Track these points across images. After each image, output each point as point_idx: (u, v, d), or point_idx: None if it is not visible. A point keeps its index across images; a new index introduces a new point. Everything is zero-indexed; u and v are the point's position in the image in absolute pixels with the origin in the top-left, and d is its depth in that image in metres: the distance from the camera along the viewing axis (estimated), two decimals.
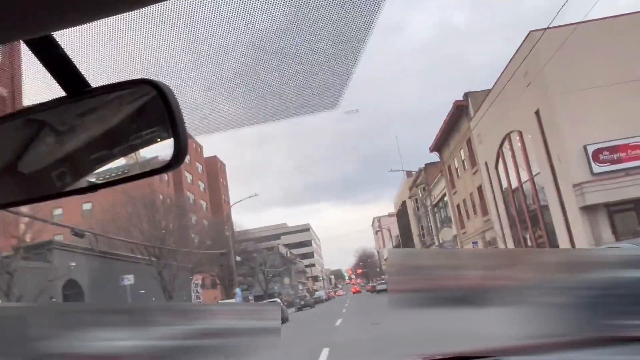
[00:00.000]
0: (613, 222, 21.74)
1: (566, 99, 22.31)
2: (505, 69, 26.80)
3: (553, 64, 22.93)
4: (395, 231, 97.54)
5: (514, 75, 25.65)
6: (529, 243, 28.15)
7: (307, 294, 69.16)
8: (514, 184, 29.09)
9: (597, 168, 21.80)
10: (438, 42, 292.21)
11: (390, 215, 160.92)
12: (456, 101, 35.68)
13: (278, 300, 34.42)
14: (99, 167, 1.16)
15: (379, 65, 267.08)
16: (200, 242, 54.65)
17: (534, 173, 26.32)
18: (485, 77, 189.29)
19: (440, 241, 34.78)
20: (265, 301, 38.15)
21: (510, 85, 26.41)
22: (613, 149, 21.86)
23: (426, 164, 57.87)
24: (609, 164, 21.79)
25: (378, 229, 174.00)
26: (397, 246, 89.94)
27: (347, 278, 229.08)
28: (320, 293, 79.46)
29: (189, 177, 68.08)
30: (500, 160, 30.52)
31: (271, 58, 1.65)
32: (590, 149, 21.94)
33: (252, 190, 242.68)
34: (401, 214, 79.76)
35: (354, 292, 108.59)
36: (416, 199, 63.97)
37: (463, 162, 39.62)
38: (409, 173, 68.44)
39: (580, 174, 21.91)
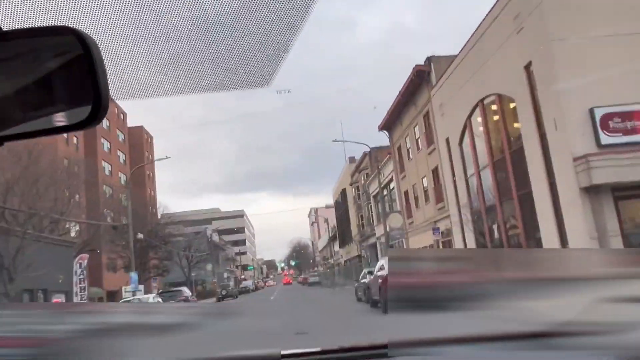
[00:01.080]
0: (618, 210, 16.45)
1: (569, 48, 16.81)
2: (487, 14, 21.17)
3: (554, 2, 17.43)
4: (333, 222, 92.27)
5: (497, 19, 20.04)
6: (497, 235, 22.75)
7: (230, 283, 62.34)
8: (484, 161, 23.63)
9: (605, 138, 16.44)
10: (390, 40, 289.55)
11: (328, 207, 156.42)
12: (416, 66, 29.97)
13: (185, 289, 27.69)
14: (6, 118, 1.06)
15: (331, 59, 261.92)
16: (116, 220, 47.04)
17: (513, 147, 20.85)
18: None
19: (388, 229, 29.06)
20: (174, 289, 31.28)
21: (492, 35, 20.79)
22: (627, 116, 16.56)
23: (372, 148, 52.38)
24: (620, 134, 16.47)
25: (314, 220, 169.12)
26: (333, 238, 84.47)
27: (280, 269, 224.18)
28: (248, 283, 73.02)
29: (105, 144, 59.69)
30: (467, 134, 25.01)
31: (206, 28, 1.68)
32: (598, 114, 16.55)
33: (191, 173, 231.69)
34: (340, 203, 74.23)
35: (284, 283, 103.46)
36: (357, 187, 58.45)
37: (417, 140, 34.10)
38: (352, 159, 62.77)
39: (582, 145, 16.49)
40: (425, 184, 33.36)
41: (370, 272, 22.35)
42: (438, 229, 26.10)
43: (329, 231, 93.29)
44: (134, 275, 29.56)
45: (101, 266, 51.03)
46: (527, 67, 18.73)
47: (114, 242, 39.02)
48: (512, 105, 20.51)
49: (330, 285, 56.90)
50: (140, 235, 31.55)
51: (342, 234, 74.80)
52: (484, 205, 23.70)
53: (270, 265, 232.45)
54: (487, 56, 21.35)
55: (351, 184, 60.42)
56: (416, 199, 35.52)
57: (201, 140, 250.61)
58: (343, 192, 68.72)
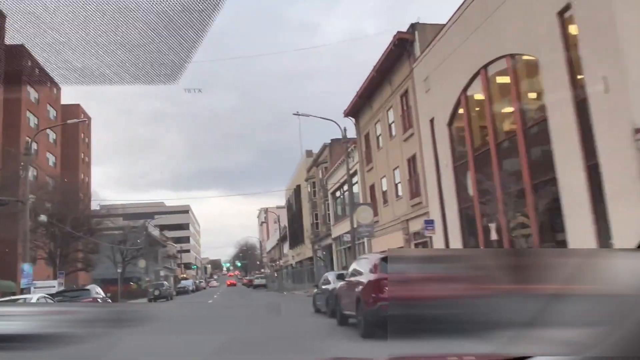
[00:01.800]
0: None
1: None
2: None
3: None
4: (285, 222, 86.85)
5: None
6: (495, 237, 17.97)
7: (165, 282, 55.90)
8: (482, 144, 18.87)
9: None
10: (348, 46, 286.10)
11: (279, 207, 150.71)
12: (398, 33, 25.04)
13: (94, 288, 21.63)
14: None
15: (291, 60, 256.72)
16: (39, 208, 39.83)
17: (529, 122, 16.11)
18: None
19: (355, 224, 23.87)
20: (79, 288, 25.03)
21: None
22: None
23: (333, 140, 47.34)
24: None
25: (264, 220, 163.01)
26: (283, 238, 78.91)
27: (225, 269, 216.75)
28: (188, 282, 66.62)
29: (32, 119, 52.22)
30: (462, 110, 20.23)
31: (120, 19, 1.81)
32: None
33: (140, 168, 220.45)
34: (292, 202, 68.84)
35: (228, 285, 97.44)
36: (314, 182, 53.25)
37: (390, 125, 29.22)
38: (309, 153, 57.56)
39: None
40: (397, 177, 28.51)
41: (341, 277, 17.21)
42: (432, 222, 21.07)
43: (279, 230, 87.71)
44: (26, 267, 23.24)
45: (16, 256, 43.79)
46: (563, 13, 14.00)
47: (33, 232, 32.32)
48: (530, 67, 15.78)
49: (278, 289, 51.51)
50: (42, 218, 25.26)
51: (293, 235, 69.39)
52: (477, 199, 18.90)
53: (215, 265, 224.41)
54: (496, 5, 16.60)
55: (307, 180, 55.17)
56: (384, 194, 30.66)
57: (152, 134, 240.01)
58: (297, 190, 63.40)
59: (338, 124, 32.04)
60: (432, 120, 22.67)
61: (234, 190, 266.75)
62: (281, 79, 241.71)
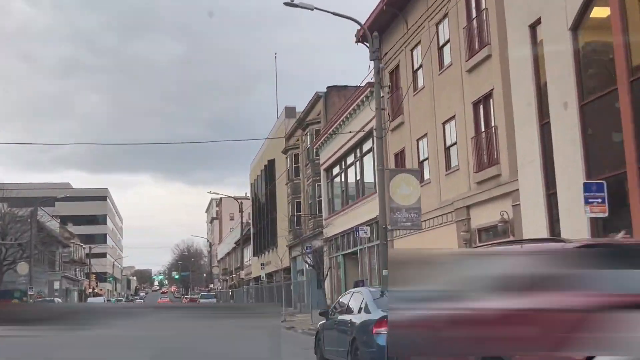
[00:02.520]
0: None
1: None
2: None
3: None
4: (247, 218, 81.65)
5: None
6: None
7: (58, 298, 50.12)
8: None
9: None
10: None
11: (238, 198, 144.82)
12: None
13: None
14: None
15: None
16: None
17: None
18: None
19: (393, 205, 18.23)
20: None
21: None
22: None
23: (330, 88, 42.18)
24: None
25: (215, 216, 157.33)
26: (246, 239, 73.52)
27: (157, 283, 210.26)
28: (98, 300, 61.10)
29: None
30: (602, 4, 14.92)
31: None
32: None
33: (40, 136, 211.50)
34: (260, 186, 63.42)
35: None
36: (295, 155, 47.98)
37: (441, 49, 23.93)
38: (290, 111, 52.30)
39: None
40: (450, 135, 23.25)
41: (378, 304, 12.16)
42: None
43: (241, 229, 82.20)
44: None
45: None
46: None
47: None
48: None
49: None
50: None
51: (259, 235, 64.06)
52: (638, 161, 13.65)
53: (143, 277, 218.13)
54: None
55: (286, 151, 49.73)
56: (422, 164, 25.45)
57: (61, 91, 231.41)
58: (268, 168, 57.98)
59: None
60: (534, 26, 17.35)
61: (175, 174, 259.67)
62: (249, 21, 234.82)
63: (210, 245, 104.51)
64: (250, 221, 70.21)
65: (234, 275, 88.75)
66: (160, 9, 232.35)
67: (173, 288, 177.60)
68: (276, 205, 55.53)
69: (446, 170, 23.60)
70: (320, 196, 41.73)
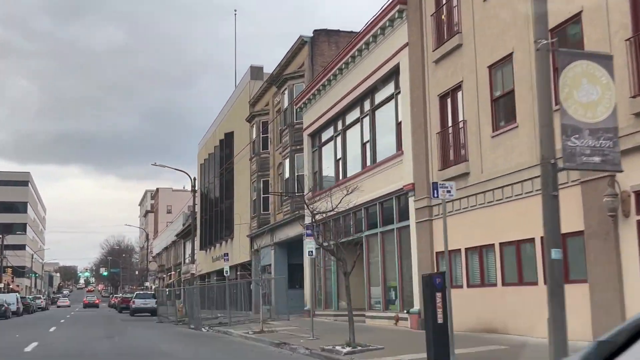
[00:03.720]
0: None
1: None
2: None
3: None
4: (189, 210, 71.87)
5: None
6: None
7: None
8: None
9: None
10: None
11: (176, 190, 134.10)
12: None
13: None
14: None
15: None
16: None
17: None
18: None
19: (569, 121, 9.46)
20: None
21: None
22: None
23: (318, 32, 33.35)
24: None
25: (150, 209, 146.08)
26: (186, 234, 63.73)
27: (82, 281, 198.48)
28: (8, 298, 50.55)
29: None
30: None
31: None
32: None
33: None
34: (212, 167, 53.90)
35: (85, 305, 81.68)
36: (263, 123, 38.99)
37: None
38: (256, 71, 43.24)
39: None
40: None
41: None
42: None
43: (183, 220, 72.49)
44: None
45: None
46: None
47: None
48: None
49: (186, 321, 36.74)
50: None
51: (208, 225, 54.48)
52: None
53: (69, 274, 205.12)
54: None
55: (251, 118, 40.47)
56: (496, 103, 16.83)
57: None
58: (225, 143, 48.52)
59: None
60: None
61: (107, 167, 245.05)
62: (191, 10, 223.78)
63: (147, 237, 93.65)
64: (198, 209, 60.49)
65: (172, 272, 78.62)
66: None
67: (100, 286, 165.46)
68: (233, 188, 46.20)
69: (555, 104, 15.03)
70: (301, 171, 32.73)
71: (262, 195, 38.87)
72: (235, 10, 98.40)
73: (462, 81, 18.33)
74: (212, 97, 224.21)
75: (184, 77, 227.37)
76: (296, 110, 32.95)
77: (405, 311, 20.74)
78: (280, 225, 34.90)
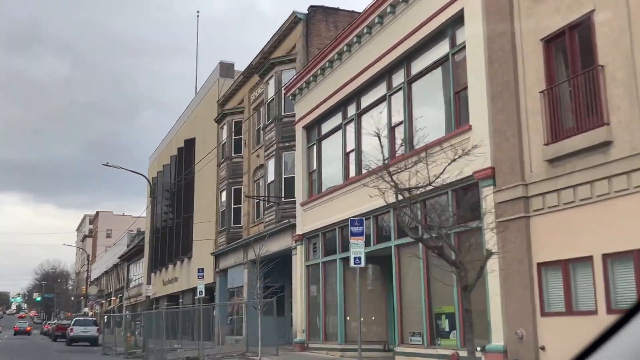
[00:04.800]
0: None
1: None
2: None
3: None
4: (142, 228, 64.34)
5: None
6: None
7: None
8: None
9: None
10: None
11: (117, 214, 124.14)
12: None
13: None
14: None
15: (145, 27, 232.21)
16: None
17: None
18: None
19: None
20: None
21: None
22: None
23: (314, 8, 26.94)
24: None
25: (88, 233, 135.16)
26: (134, 254, 55.73)
27: (15, 306, 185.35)
28: None
29: None
30: None
31: None
32: None
33: None
34: (166, 180, 46.39)
35: (16, 332, 72.17)
36: (237, 122, 32.27)
37: None
38: (226, 69, 36.57)
39: None
40: None
41: None
42: None
43: (128, 241, 64.29)
44: None
45: None
46: None
47: None
48: None
49: (140, 353, 29.23)
50: None
51: (158, 246, 46.68)
52: None
53: (1, 299, 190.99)
54: None
55: (222, 118, 33.44)
56: None
57: None
58: (184, 152, 41.23)
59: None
60: None
61: (45, 196, 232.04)
62: (137, 47, 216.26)
63: (88, 257, 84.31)
64: (147, 228, 52.48)
65: (112, 298, 69.71)
66: (46, 26, 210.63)
67: (32, 312, 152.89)
68: (193, 200, 38.83)
69: None
70: (290, 172, 25.88)
71: (232, 206, 31.74)
72: (197, 12, 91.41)
73: (593, 11, 12.03)
74: (155, 131, 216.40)
75: (127, 111, 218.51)
76: (285, 100, 26.26)
77: (478, 349, 13.87)
78: (259, 238, 27.83)
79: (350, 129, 21.21)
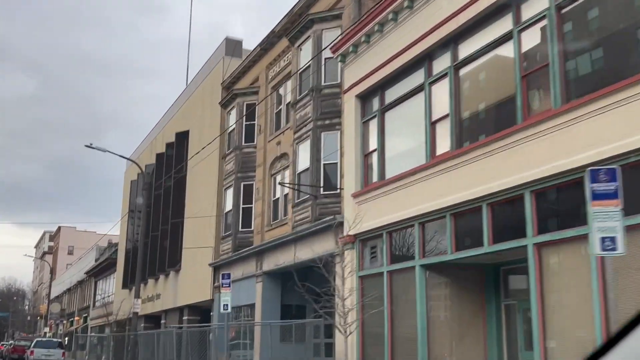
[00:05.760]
0: None
1: None
2: None
3: None
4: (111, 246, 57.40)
5: None
6: None
7: None
8: None
9: None
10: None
11: (78, 230, 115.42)
12: None
13: None
14: None
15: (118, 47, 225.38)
16: None
17: None
18: None
19: None
20: None
21: None
22: None
23: None
24: None
25: (47, 250, 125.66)
26: (98, 271, 48.72)
27: None
28: None
29: None
30: None
31: None
32: None
33: None
34: (149, 181, 39.61)
35: None
36: (250, 104, 26.09)
37: None
38: (233, 46, 30.57)
39: None
40: None
41: None
42: None
43: (97, 254, 57.03)
44: None
45: None
46: None
47: None
48: None
49: None
50: None
51: (135, 258, 39.68)
52: None
53: None
54: None
55: (230, 100, 27.09)
56: None
57: None
58: (175, 147, 34.67)
59: None
60: None
61: (6, 214, 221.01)
62: (106, 68, 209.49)
63: (51, 273, 76.03)
64: (121, 240, 45.29)
65: (76, 317, 61.80)
66: (15, 43, 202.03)
67: None
68: (184, 203, 32.17)
69: None
70: (328, 158, 19.66)
71: (241, 206, 25.28)
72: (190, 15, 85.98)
73: None
74: (120, 151, 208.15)
75: (92, 131, 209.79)
76: (326, 67, 20.16)
77: None
78: (283, 243, 21.42)
79: (442, 87, 15.14)
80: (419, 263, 14.78)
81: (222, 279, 14.02)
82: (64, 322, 68.19)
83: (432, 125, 15.29)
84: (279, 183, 19.94)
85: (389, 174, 16.74)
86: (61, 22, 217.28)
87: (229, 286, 15.33)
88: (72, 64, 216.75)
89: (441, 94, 15.14)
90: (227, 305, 14.86)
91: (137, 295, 25.30)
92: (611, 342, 1.51)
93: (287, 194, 22.35)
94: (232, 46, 29.55)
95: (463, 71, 14.63)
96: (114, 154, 27.58)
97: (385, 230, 16.24)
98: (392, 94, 17.10)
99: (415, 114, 16.06)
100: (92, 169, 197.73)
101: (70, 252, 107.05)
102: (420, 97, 15.98)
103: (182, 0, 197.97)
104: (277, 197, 23.65)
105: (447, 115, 14.75)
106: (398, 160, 16.58)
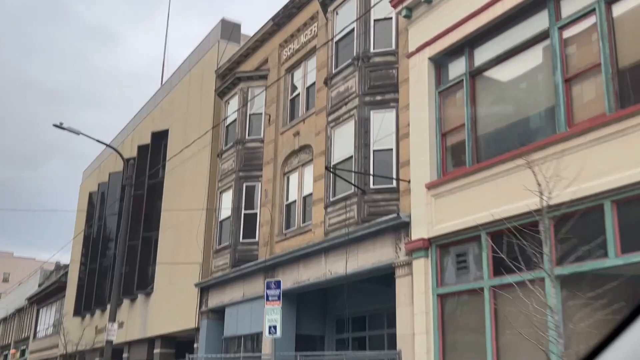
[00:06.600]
0: None
1: None
2: None
3: None
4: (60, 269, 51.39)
5: None
6: None
7: None
8: None
9: None
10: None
11: (16, 256, 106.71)
12: None
13: None
14: None
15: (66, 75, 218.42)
16: None
17: None
18: None
19: None
20: None
21: None
22: None
23: None
24: None
25: None
26: (41, 298, 42.51)
27: None
28: None
29: None
30: None
31: None
32: None
33: None
34: (109, 197, 34.36)
35: None
36: (254, 91, 21.26)
37: None
38: (228, 29, 25.73)
39: None
40: None
41: None
42: None
43: (41, 283, 50.69)
44: None
45: None
46: None
47: None
48: None
49: None
50: None
51: (91, 280, 33.87)
52: None
53: None
54: None
55: (230, 87, 22.21)
56: None
57: None
58: (151, 148, 29.45)
59: None
60: None
61: None
62: (49, 95, 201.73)
63: None
64: (73, 259, 39.22)
65: (11, 350, 54.48)
66: None
67: None
68: (160, 212, 26.86)
69: None
70: (379, 144, 15.04)
71: (243, 211, 20.27)
72: None
73: None
74: (61, 180, 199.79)
75: (32, 158, 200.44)
76: (375, 31, 15.69)
77: None
78: (308, 254, 16.52)
79: (583, 30, 10.77)
80: (555, 272, 10.14)
81: (268, 288, 9.44)
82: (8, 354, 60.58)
83: (566, 82, 10.89)
84: (326, 168, 15.12)
85: (483, 157, 12.23)
86: (6, 47, 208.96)
87: (279, 299, 10.46)
88: (14, 90, 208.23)
89: (582, 38, 10.80)
90: (274, 327, 9.97)
91: (113, 319, 19.78)
92: (608, 339, 1.45)
93: (311, 194, 17.57)
94: (229, 29, 24.87)
95: (619, 6, 10.35)
96: (90, 137, 22.14)
97: (485, 230, 11.62)
98: (487, 51, 12.68)
99: (532, 72, 11.67)
100: (31, 194, 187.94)
101: (5, 280, 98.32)
102: (538, 49, 11.61)
103: (133, 31, 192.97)
104: (291, 200, 18.84)
105: (596, 66, 10.37)
106: (502, 136, 12.10)
